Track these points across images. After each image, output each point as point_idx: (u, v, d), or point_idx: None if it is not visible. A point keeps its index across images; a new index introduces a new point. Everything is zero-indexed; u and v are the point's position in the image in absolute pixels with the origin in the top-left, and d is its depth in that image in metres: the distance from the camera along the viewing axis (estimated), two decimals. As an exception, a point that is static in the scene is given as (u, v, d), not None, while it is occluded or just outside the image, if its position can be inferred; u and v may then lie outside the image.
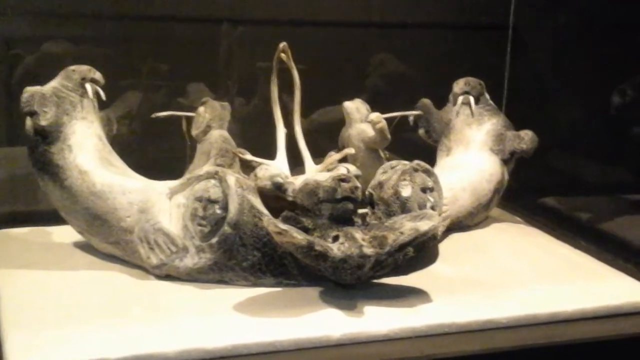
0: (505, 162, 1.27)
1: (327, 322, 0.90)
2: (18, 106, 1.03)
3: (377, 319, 0.92)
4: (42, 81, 1.06)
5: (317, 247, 0.92)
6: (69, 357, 0.80)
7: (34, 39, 1.26)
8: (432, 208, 1.08)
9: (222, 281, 0.99)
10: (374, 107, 1.22)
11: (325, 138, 1.31)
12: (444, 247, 1.03)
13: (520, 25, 1.52)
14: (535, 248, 1.19)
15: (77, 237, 1.08)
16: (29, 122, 1.01)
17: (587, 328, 0.96)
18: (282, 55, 1.15)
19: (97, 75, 1.08)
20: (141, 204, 1.01)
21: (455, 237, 1.19)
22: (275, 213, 1.00)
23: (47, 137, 1.02)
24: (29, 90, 1.02)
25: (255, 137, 1.30)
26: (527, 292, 1.01)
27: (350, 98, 1.24)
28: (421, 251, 0.96)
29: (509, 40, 1.53)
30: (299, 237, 0.92)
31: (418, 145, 1.34)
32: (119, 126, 1.17)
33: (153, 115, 1.14)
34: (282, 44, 1.15)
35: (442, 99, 1.34)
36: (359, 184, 1.02)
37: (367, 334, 0.89)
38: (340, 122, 1.25)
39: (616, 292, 1.02)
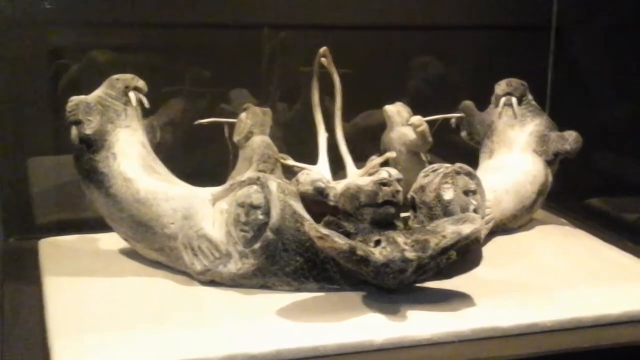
0: (549, 163, 1.26)
1: (370, 326, 0.90)
2: (64, 115, 1.04)
3: (420, 323, 0.91)
4: (87, 90, 1.07)
5: (359, 252, 0.92)
6: (116, 363, 0.81)
7: (79, 48, 1.28)
8: (475, 211, 1.07)
9: (265, 286, 0.99)
10: (416, 111, 1.22)
11: (367, 142, 1.31)
12: (487, 250, 1.03)
13: (563, 25, 1.51)
14: (580, 250, 1.17)
15: (123, 243, 1.09)
16: (74, 131, 1.03)
17: (633, 331, 0.94)
18: (323, 59, 1.15)
19: (140, 84, 1.09)
20: (185, 210, 1.02)
21: (499, 240, 1.18)
22: (317, 218, 1.00)
23: (92, 145, 1.03)
24: (74, 99, 1.04)
25: (297, 142, 1.30)
26: (572, 295, 1.00)
27: (392, 102, 1.24)
28: (464, 254, 0.96)
29: (552, 41, 1.51)
30: (341, 241, 0.92)
31: (460, 148, 1.33)
32: (163, 133, 1.19)
33: (196, 123, 1.15)
34: (323, 49, 1.15)
35: (484, 101, 1.33)
36: (400, 188, 1.01)
37: (411, 338, 0.89)
38: (382, 126, 1.25)
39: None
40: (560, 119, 1.31)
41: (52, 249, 1.13)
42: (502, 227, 1.20)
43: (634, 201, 1.38)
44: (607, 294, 1.00)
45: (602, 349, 0.91)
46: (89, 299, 0.97)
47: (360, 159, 1.15)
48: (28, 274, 1.07)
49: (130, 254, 1.09)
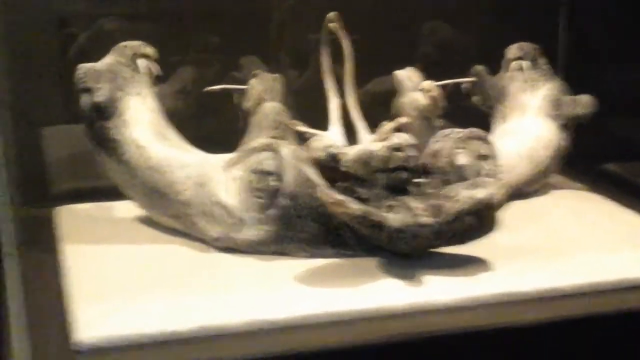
0: (563, 127, 1.25)
1: (388, 293, 0.90)
2: (73, 84, 1.03)
3: (437, 289, 0.91)
4: (96, 59, 1.06)
5: (373, 217, 0.92)
6: (135, 328, 0.81)
7: (87, 16, 1.27)
8: (489, 175, 1.06)
9: (281, 253, 0.99)
10: (427, 76, 1.20)
11: (380, 108, 1.29)
12: (502, 214, 1.02)
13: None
14: (597, 214, 1.16)
15: (139, 211, 1.09)
16: (84, 98, 1.02)
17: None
18: (331, 24, 1.14)
19: (149, 50, 1.08)
20: (198, 177, 1.01)
21: (514, 205, 1.16)
22: (330, 184, 0.99)
23: (103, 113, 1.02)
24: (83, 67, 1.03)
25: (310, 109, 1.29)
26: (591, 259, 0.99)
27: (402, 67, 1.23)
28: (479, 219, 0.95)
29: (565, 4, 1.49)
30: (354, 206, 0.92)
31: (473, 113, 1.32)
32: (174, 101, 1.18)
33: (205, 90, 1.14)
34: (331, 14, 1.14)
35: (496, 65, 1.31)
36: (413, 153, 1.00)
37: (429, 304, 0.88)
38: (394, 92, 1.23)
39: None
40: (574, 83, 1.29)
41: (68, 217, 1.13)
42: (517, 192, 1.19)
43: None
44: (626, 258, 1.00)
45: (623, 313, 0.91)
46: (106, 266, 0.97)
47: (372, 126, 1.14)
48: (45, 242, 1.07)
49: (146, 221, 1.09)
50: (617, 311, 0.90)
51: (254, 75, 1.14)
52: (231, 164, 1.01)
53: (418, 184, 1.03)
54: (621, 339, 0.91)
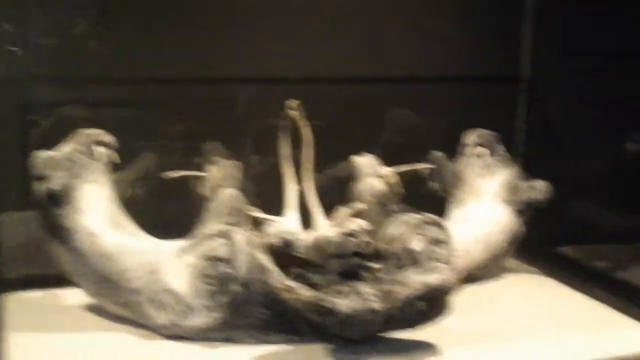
0: (518, 213, 1.27)
1: (336, 379, 0.90)
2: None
3: (386, 376, 0.91)
4: (58, 146, 1.08)
5: (325, 304, 0.92)
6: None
7: (50, 103, 1.28)
8: (444, 261, 1.07)
9: (230, 340, 0.99)
10: (387, 162, 1.22)
11: (339, 194, 1.31)
12: (456, 300, 1.03)
13: (534, 75, 1.53)
14: (550, 299, 1.18)
15: (88, 299, 1.09)
16: (39, 185, 1.03)
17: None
18: (292, 112, 1.16)
19: (108, 138, 1.10)
20: (150, 264, 1.02)
21: (469, 290, 1.18)
22: (285, 270, 1.00)
23: (57, 200, 1.03)
24: (39, 155, 1.04)
25: (271, 195, 1.30)
26: (541, 344, 1.00)
27: (363, 153, 1.25)
28: (432, 305, 0.96)
29: (523, 91, 1.53)
30: (305, 293, 0.92)
31: (431, 199, 1.33)
32: (134, 188, 1.19)
33: (163, 175, 1.16)
34: (291, 101, 1.17)
35: (455, 152, 1.34)
36: (368, 239, 1.02)
37: (375, 391, 0.89)
38: (352, 178, 1.25)
39: (631, 342, 1.01)
40: (532, 169, 1.32)
41: (17, 305, 1.13)
42: (472, 277, 1.20)
43: (604, 249, 1.39)
44: (575, 342, 1.01)
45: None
46: (52, 355, 0.96)
47: (331, 211, 1.15)
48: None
49: (95, 309, 1.09)
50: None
51: (212, 162, 1.16)
52: (184, 251, 1.02)
53: (371, 270, 1.04)
54: None
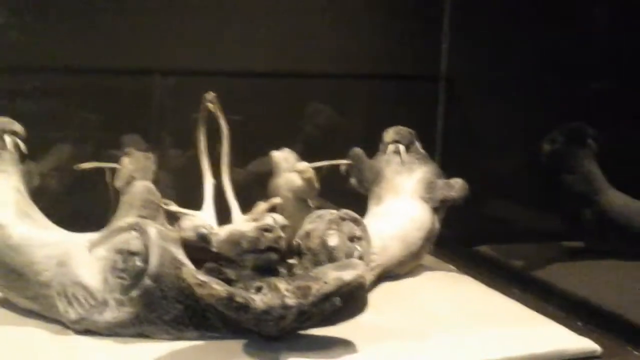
0: (435, 210, 1.27)
1: (249, 375, 0.89)
2: None
3: (300, 372, 0.90)
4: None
5: (238, 299, 0.91)
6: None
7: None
8: (360, 257, 1.07)
9: (143, 335, 0.96)
10: (307, 158, 1.22)
11: (257, 189, 1.30)
12: (373, 296, 1.03)
13: (452, 75, 1.55)
14: (466, 295, 1.19)
15: (-3, 293, 1.06)
16: (-57, 175, 1.00)
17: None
18: (209, 104, 1.15)
19: (17, 127, 1.07)
20: (59, 257, 0.99)
21: (385, 286, 1.19)
22: (200, 265, 0.98)
23: (-37, 191, 1.00)
24: (-56, 143, 1.01)
25: (188, 188, 1.28)
26: (456, 340, 1.00)
27: (281, 148, 1.24)
28: (348, 301, 0.95)
29: (442, 91, 1.54)
30: (220, 288, 0.91)
31: (350, 195, 1.33)
32: (46, 179, 1.16)
33: (75, 167, 1.13)
34: (209, 94, 1.15)
35: (374, 149, 1.34)
36: (283, 234, 1.00)
37: (290, 386, 0.88)
38: (272, 173, 1.24)
39: (544, 339, 1.02)
40: (449, 167, 1.33)
41: None
42: (389, 273, 1.20)
43: (520, 248, 1.41)
44: (490, 338, 1.01)
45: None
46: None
47: (248, 206, 1.14)
48: None
49: (4, 303, 1.05)
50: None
51: (126, 154, 1.13)
52: (96, 244, 0.99)
53: (288, 265, 1.04)
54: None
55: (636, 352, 1.01)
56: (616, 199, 1.37)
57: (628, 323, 1.08)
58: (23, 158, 1.08)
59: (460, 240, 1.42)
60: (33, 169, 1.10)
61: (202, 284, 0.91)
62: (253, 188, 1.32)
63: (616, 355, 1.00)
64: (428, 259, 1.30)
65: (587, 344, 1.01)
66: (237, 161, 1.20)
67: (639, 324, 1.06)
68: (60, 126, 1.33)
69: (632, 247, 1.32)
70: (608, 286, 1.21)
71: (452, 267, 1.33)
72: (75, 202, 1.29)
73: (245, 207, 1.13)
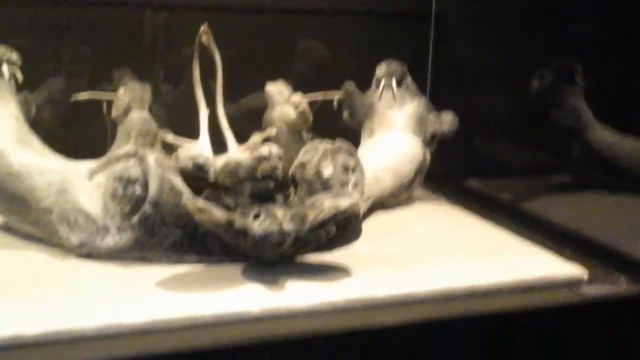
0: (427, 143, 1.29)
1: (248, 297, 0.91)
2: None
3: (297, 294, 0.92)
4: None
5: (237, 224, 0.93)
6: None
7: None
8: (354, 187, 1.09)
9: (144, 259, 0.99)
10: (299, 92, 1.23)
11: (251, 123, 1.31)
12: (366, 225, 1.04)
13: (444, 12, 1.55)
14: (456, 225, 1.21)
15: (-1, 218, 1.07)
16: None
17: (503, 301, 0.97)
18: (204, 37, 1.15)
19: (14, 56, 1.07)
20: (60, 184, 1.00)
21: (378, 216, 1.21)
22: (197, 194, 1.00)
23: (-39, 116, 1.01)
24: (-60, 71, 1.01)
25: (182, 122, 1.29)
26: (446, 267, 1.03)
27: (277, 81, 1.25)
28: (343, 228, 0.97)
29: (432, 27, 1.55)
30: (219, 214, 0.93)
31: (342, 129, 1.35)
32: (42, 112, 1.16)
33: (72, 98, 1.13)
34: (204, 26, 1.15)
35: (367, 84, 1.35)
36: (279, 163, 1.02)
37: (287, 308, 0.90)
38: (265, 108, 1.25)
39: (534, 266, 1.05)
40: (440, 103, 1.35)
41: None
42: (382, 204, 1.22)
43: (509, 182, 1.43)
44: (479, 266, 1.04)
45: (473, 318, 0.94)
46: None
47: (244, 140, 1.16)
48: None
49: (4, 228, 1.07)
50: (468, 316, 0.94)
51: (122, 84, 1.14)
52: (96, 171, 1.01)
53: (284, 194, 1.05)
54: (471, 343, 0.94)
55: (622, 277, 1.04)
56: (602, 134, 1.39)
57: (614, 250, 1.10)
58: (19, 87, 1.09)
59: (450, 175, 1.44)
60: (30, 98, 1.11)
61: (202, 210, 0.93)
62: (246, 123, 1.32)
63: (603, 280, 1.03)
64: (419, 192, 1.33)
65: (575, 270, 1.04)
66: (230, 96, 1.20)
67: (624, 251, 1.09)
68: (53, 59, 1.33)
69: (617, 179, 1.34)
70: (594, 217, 1.23)
71: (442, 199, 1.35)
72: (71, 134, 1.29)
73: (239, 142, 1.15)
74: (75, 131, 1.30)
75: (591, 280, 1.02)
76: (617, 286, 1.02)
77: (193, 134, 1.15)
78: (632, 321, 1.00)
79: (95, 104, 1.16)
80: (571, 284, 1.02)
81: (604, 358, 0.99)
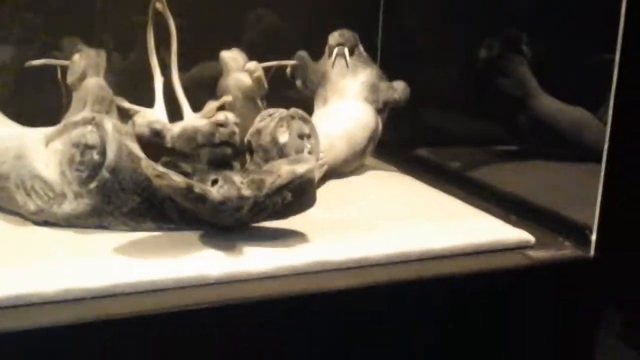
0: (379, 111, 1.32)
1: (207, 261, 0.92)
2: None
3: (255, 258, 0.94)
4: None
5: (196, 190, 0.94)
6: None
7: None
8: (310, 153, 1.10)
9: (101, 226, 0.99)
10: (252, 60, 1.23)
11: (205, 91, 1.31)
12: (321, 192, 1.06)
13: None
14: (407, 193, 1.24)
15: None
16: None
17: (456, 264, 1.01)
18: (158, 4, 1.15)
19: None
20: (16, 150, 1.00)
21: (332, 184, 1.23)
22: (154, 160, 1.00)
23: None
24: None
25: (135, 90, 1.29)
26: (399, 232, 1.05)
27: (231, 49, 1.25)
28: (299, 195, 0.99)
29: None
30: (178, 179, 0.93)
31: (296, 98, 1.36)
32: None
33: (26, 64, 1.13)
34: (158, -8, 1.15)
35: (319, 53, 1.37)
36: (236, 129, 1.03)
37: (246, 272, 0.92)
38: (220, 76, 1.26)
39: (482, 231, 1.08)
40: (390, 72, 1.37)
41: None
42: (335, 172, 1.24)
43: (457, 151, 1.46)
44: (431, 231, 1.06)
45: (426, 280, 0.97)
46: None
47: (199, 109, 1.16)
48: None
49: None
50: (421, 279, 0.97)
51: (78, 51, 1.13)
52: (52, 138, 1.01)
53: (241, 161, 1.07)
54: (425, 304, 0.97)
55: (566, 242, 1.08)
56: (547, 103, 1.42)
57: (559, 217, 1.14)
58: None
59: (400, 144, 1.46)
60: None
61: (161, 175, 0.93)
62: (200, 91, 1.33)
63: (548, 245, 1.07)
64: (370, 160, 1.35)
65: (521, 235, 1.07)
66: (184, 65, 1.20)
67: (568, 217, 1.12)
68: (2, 28, 1.31)
69: (562, 148, 1.38)
70: (540, 185, 1.26)
71: (393, 167, 1.37)
72: (25, 101, 1.28)
73: (194, 110, 1.15)
74: (28, 98, 1.28)
75: (538, 245, 1.06)
76: (563, 250, 1.06)
77: (145, 102, 1.15)
78: (577, 283, 1.04)
79: (48, 70, 1.15)
80: (519, 248, 1.05)
81: (552, 318, 1.03)
